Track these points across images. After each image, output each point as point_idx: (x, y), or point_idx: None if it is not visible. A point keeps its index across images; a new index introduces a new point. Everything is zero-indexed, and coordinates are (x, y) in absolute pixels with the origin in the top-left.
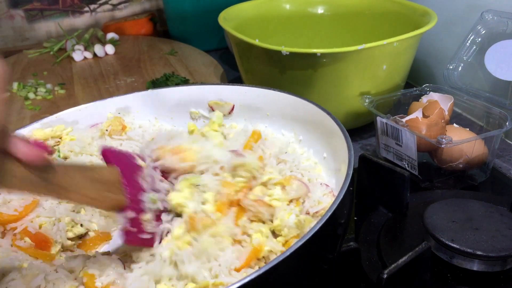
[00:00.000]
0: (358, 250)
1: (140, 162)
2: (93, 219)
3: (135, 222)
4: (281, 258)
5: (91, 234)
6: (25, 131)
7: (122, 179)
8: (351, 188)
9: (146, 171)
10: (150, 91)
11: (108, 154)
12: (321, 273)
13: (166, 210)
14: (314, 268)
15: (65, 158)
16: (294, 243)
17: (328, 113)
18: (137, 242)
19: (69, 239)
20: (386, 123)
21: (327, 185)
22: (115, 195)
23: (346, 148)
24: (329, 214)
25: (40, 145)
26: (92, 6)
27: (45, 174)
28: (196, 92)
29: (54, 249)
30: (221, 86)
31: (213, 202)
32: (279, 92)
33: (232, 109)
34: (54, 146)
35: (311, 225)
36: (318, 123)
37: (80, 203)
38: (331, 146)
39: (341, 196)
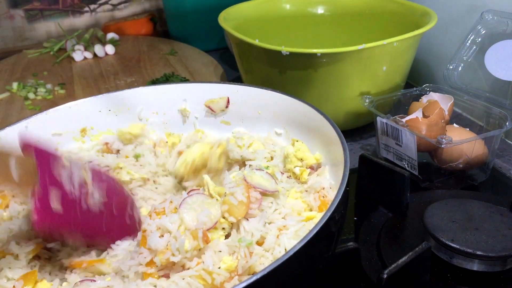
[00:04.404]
0: (358, 250)
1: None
2: None
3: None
4: (280, 261)
5: None
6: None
7: (36, 168)
8: (347, 188)
9: (65, 170)
10: (141, 88)
11: (27, 147)
12: (317, 273)
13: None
14: (311, 269)
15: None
16: (294, 246)
17: (321, 113)
18: (51, 221)
19: None
20: (386, 123)
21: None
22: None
23: (341, 148)
24: (329, 214)
25: None
26: (92, 6)
27: None
28: (187, 90)
29: None
30: (213, 84)
31: None
32: (270, 91)
33: (228, 102)
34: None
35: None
36: (310, 123)
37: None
38: (325, 146)
39: (339, 197)
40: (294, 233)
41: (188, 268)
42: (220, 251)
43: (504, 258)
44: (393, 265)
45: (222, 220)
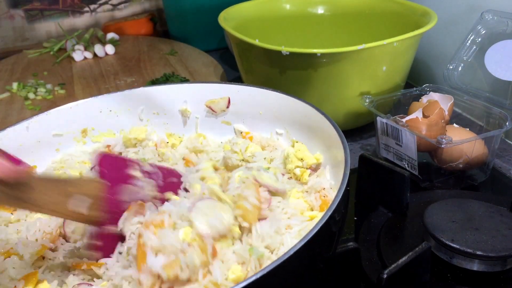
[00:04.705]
0: (358, 250)
1: (134, 172)
2: None
3: (103, 237)
4: (281, 260)
5: None
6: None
7: (104, 195)
8: (348, 188)
9: (139, 182)
10: (142, 88)
11: (102, 162)
12: (317, 273)
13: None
14: (311, 268)
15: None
16: (295, 245)
17: (322, 113)
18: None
19: None
20: (386, 123)
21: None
22: (91, 212)
23: (342, 148)
24: (329, 214)
25: (17, 161)
26: (92, 6)
27: (17, 191)
28: (188, 90)
29: None
30: (213, 84)
31: None
32: (271, 91)
33: (229, 102)
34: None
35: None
36: (311, 123)
37: (52, 215)
38: (326, 146)
39: (340, 196)
40: (297, 233)
41: (196, 280)
42: (228, 260)
43: (504, 258)
44: (393, 265)
45: (233, 228)
